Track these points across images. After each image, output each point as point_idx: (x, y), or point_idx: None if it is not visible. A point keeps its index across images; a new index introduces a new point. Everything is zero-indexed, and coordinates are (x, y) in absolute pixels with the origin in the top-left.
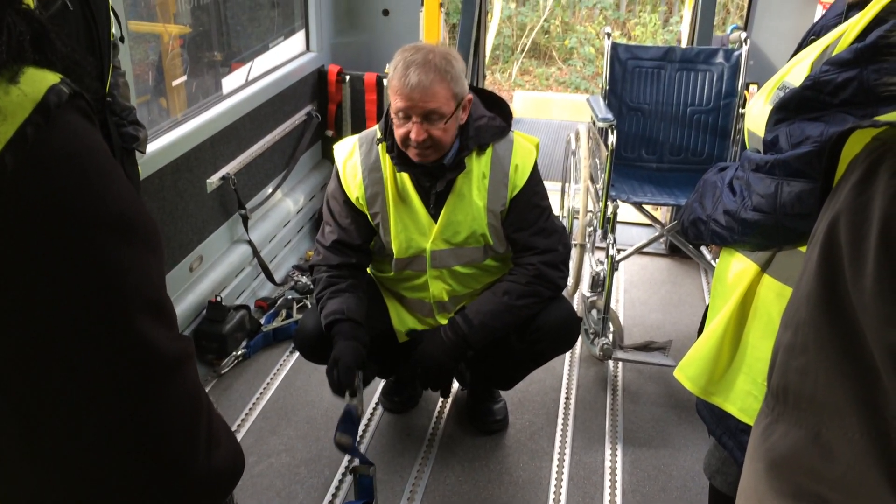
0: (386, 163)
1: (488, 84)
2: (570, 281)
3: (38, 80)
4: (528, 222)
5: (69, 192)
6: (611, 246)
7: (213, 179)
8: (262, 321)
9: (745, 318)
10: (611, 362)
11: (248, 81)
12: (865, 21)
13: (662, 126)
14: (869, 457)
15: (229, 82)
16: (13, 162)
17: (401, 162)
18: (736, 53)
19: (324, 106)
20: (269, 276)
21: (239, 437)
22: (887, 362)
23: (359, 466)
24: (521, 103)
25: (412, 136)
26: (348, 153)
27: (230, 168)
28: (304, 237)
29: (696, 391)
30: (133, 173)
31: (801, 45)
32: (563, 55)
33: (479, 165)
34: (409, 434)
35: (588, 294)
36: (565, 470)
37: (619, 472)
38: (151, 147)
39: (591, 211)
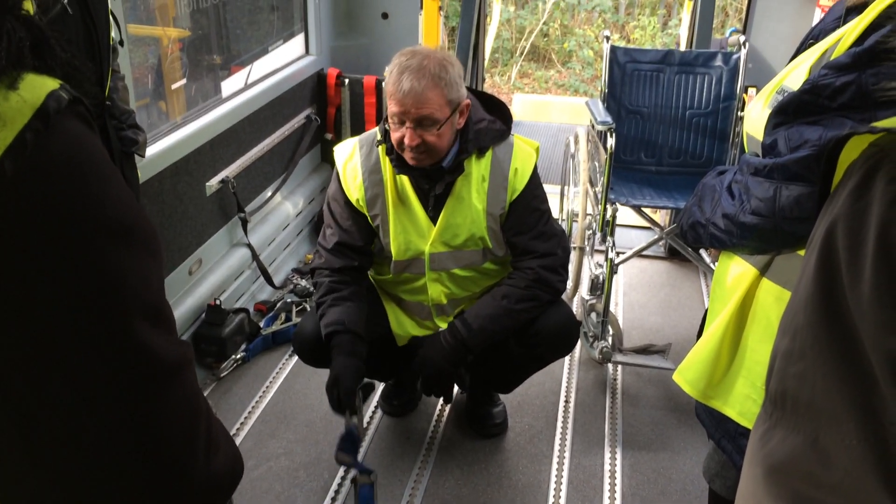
0: (386, 165)
1: (487, 87)
2: (570, 284)
3: (38, 86)
4: (527, 226)
5: (68, 197)
6: (610, 249)
7: (213, 183)
8: (262, 324)
9: (744, 321)
10: (610, 365)
11: (247, 85)
12: (863, 25)
13: (661, 129)
14: (866, 462)
15: (229, 86)
16: (13, 168)
17: (399, 164)
18: (735, 56)
19: (323, 109)
20: (269, 280)
21: (238, 440)
22: (885, 368)
23: (359, 476)
24: (521, 106)
25: (406, 140)
26: (348, 155)
27: (229, 171)
28: (304, 240)
29: (695, 395)
30: (132, 177)
31: (800, 49)
32: (562, 58)
33: (478, 168)
34: (408, 437)
35: (587, 297)
36: (565, 473)
37: (618, 475)
38: (151, 150)
39: (590, 214)
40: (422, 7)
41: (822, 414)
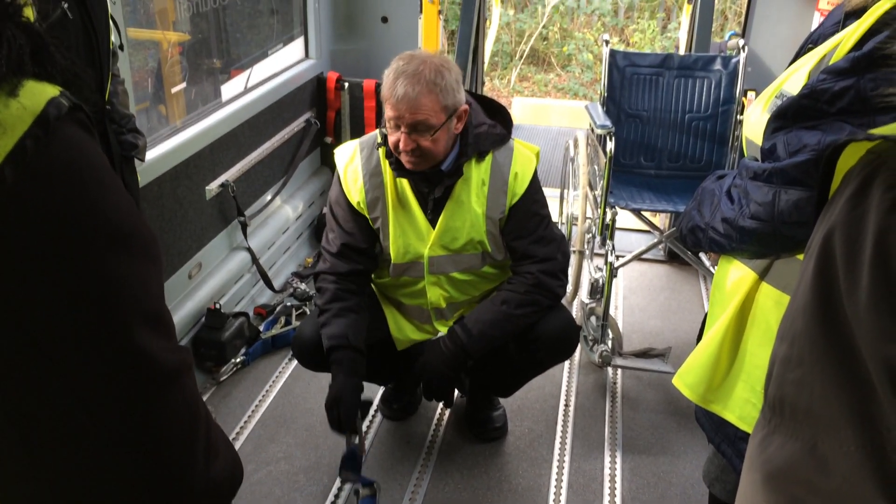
0: (386, 167)
1: (487, 90)
2: (570, 287)
3: (38, 93)
4: (527, 230)
5: (68, 203)
6: (609, 252)
7: (212, 186)
8: (261, 328)
9: (744, 325)
10: (610, 369)
11: (247, 88)
12: (862, 30)
13: (661, 133)
14: (864, 470)
15: (228, 89)
16: (13, 174)
17: (399, 168)
18: (734, 60)
19: (323, 113)
20: (268, 283)
21: (238, 444)
22: (882, 375)
23: (362, 490)
24: (520, 110)
25: (401, 145)
26: (349, 158)
27: (229, 175)
28: (303, 244)
29: (694, 399)
30: (132, 181)
31: (799, 54)
32: (561, 62)
33: (478, 172)
34: (408, 441)
35: (587, 301)
36: (564, 477)
37: (618, 479)
38: (150, 154)
39: (589, 217)
40: (421, 11)
41: (820, 420)
